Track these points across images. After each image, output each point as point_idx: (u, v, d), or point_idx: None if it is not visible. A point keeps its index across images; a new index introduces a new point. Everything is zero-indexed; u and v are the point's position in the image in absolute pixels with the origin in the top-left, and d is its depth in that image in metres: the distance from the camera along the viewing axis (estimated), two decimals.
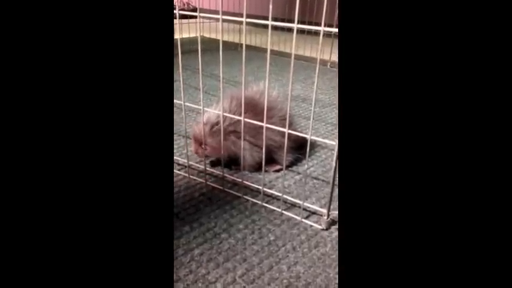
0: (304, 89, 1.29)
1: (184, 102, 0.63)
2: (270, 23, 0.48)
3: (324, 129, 0.95)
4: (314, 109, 0.51)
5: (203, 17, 0.55)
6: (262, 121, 0.55)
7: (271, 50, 1.80)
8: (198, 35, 0.56)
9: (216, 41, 1.98)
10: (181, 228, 0.55)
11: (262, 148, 0.65)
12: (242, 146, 0.63)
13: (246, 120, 0.57)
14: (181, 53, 0.57)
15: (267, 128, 0.55)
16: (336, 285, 0.46)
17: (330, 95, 1.24)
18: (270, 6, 0.45)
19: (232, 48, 1.89)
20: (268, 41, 0.49)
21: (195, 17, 0.57)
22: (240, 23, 0.51)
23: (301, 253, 0.51)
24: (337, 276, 0.47)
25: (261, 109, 0.62)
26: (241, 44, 1.80)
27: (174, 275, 0.46)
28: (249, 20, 0.50)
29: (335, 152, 0.50)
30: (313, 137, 0.52)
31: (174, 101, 0.66)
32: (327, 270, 0.48)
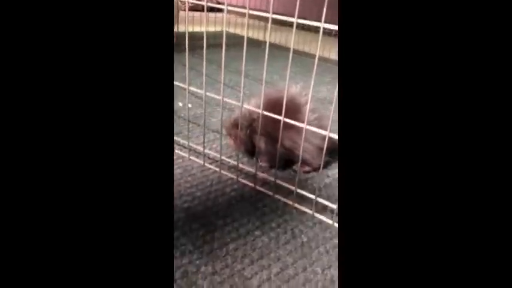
0: (330, 91, 1.28)
1: (223, 97, 0.64)
2: (295, 20, 0.48)
3: None
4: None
5: (230, 11, 0.56)
6: (287, 123, 0.58)
7: (295, 50, 1.80)
8: (223, 28, 0.56)
9: (241, 36, 1.98)
10: (216, 222, 0.55)
11: (282, 147, 0.66)
12: (280, 143, 0.64)
13: (280, 119, 0.58)
14: (206, 47, 0.57)
15: (292, 130, 0.56)
16: None
17: None
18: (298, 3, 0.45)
19: (256, 45, 1.89)
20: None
21: (222, 10, 0.57)
22: (266, 19, 0.52)
23: (335, 257, 0.51)
24: None
25: (287, 110, 0.63)
26: (265, 42, 1.80)
27: (211, 267, 0.47)
28: (274, 16, 0.51)
29: None
30: None
31: (211, 94, 0.67)
32: None
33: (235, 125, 0.72)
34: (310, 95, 0.55)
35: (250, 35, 2.16)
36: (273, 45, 1.89)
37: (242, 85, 0.60)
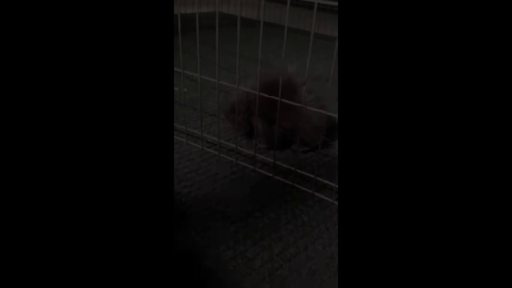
0: (326, 68, 1.27)
1: (218, 80, 0.63)
2: None
3: None
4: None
5: None
6: (283, 103, 0.57)
7: (290, 28, 1.76)
8: (216, 9, 0.55)
9: (234, 16, 1.94)
10: (216, 205, 0.56)
11: (280, 128, 0.66)
12: (277, 124, 0.63)
13: (277, 100, 0.57)
14: (199, 28, 0.56)
15: (290, 111, 0.55)
16: None
17: None
18: None
19: (250, 24, 1.85)
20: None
21: None
22: None
23: (335, 234, 0.52)
24: None
25: (284, 91, 0.62)
26: (259, 21, 1.77)
27: (213, 249, 0.48)
28: None
29: None
30: None
31: (207, 77, 0.66)
32: None
33: (233, 109, 0.71)
34: (306, 75, 0.54)
35: (243, 14, 2.11)
36: (267, 24, 1.85)
37: (237, 66, 0.59)
